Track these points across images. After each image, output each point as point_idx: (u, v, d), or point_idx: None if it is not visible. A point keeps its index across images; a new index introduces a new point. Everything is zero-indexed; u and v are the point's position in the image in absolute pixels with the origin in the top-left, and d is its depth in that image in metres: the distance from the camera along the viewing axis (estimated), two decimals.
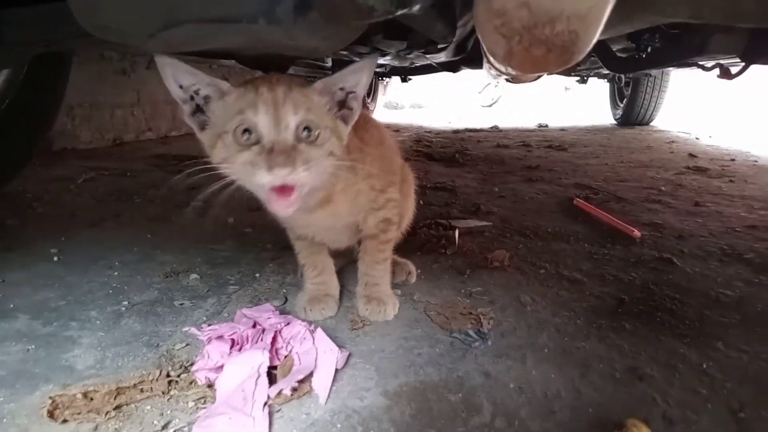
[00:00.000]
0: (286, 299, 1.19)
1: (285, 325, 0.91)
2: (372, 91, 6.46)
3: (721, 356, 0.96)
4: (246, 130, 0.80)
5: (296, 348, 0.86)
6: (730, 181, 2.58)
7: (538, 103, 9.06)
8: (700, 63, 1.90)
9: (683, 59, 1.55)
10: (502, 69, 0.70)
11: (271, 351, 0.85)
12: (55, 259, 1.33)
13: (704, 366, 0.93)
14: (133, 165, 2.57)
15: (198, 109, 0.86)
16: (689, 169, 2.89)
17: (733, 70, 1.62)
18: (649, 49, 1.68)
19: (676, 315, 1.13)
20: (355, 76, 0.90)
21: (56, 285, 1.19)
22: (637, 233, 1.67)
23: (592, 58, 2.67)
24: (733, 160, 3.21)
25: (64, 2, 0.73)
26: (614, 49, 2.18)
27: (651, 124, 5.27)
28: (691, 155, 3.37)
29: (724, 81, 1.74)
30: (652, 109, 5.06)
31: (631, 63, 2.03)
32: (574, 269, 1.40)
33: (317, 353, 0.85)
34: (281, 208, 0.83)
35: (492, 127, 5.64)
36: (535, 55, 0.50)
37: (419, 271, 1.34)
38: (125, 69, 3.18)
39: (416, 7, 0.65)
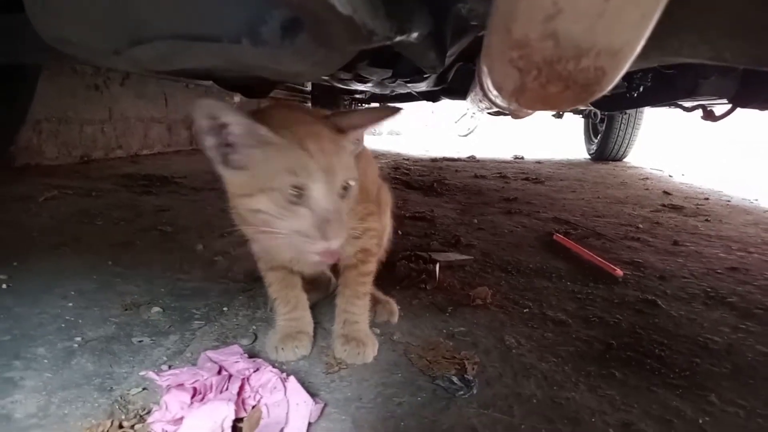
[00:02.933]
0: (256, 337, 1.10)
1: (254, 372, 0.83)
2: None
3: (717, 411, 0.92)
4: (295, 188, 0.78)
5: (265, 398, 0.78)
6: (706, 221, 2.60)
7: (513, 135, 9.20)
8: (681, 103, 1.92)
9: (673, 100, 1.55)
10: (503, 104, 0.65)
11: (237, 401, 0.76)
12: (4, 286, 1.22)
13: (700, 421, 0.88)
14: (100, 184, 2.45)
15: (225, 143, 0.80)
16: (665, 207, 2.91)
17: (717, 111, 1.62)
18: (640, 89, 1.68)
19: (666, 363, 1.09)
20: (381, 123, 0.88)
21: (1, 317, 1.08)
22: (619, 272, 1.64)
23: None
24: (707, 199, 3.26)
25: (23, 13, 0.66)
26: None
27: (624, 160, 5.37)
28: (666, 192, 3.41)
29: (695, 120, 1.75)
30: (625, 146, 5.15)
31: (620, 102, 2.03)
32: (558, 309, 1.36)
33: (289, 405, 0.77)
34: (328, 260, 0.89)
35: (469, 157, 5.66)
36: (550, 92, 0.45)
37: (399, 307, 1.28)
38: (98, 84, 3.07)
39: (414, 35, 0.60)
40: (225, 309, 1.23)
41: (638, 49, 0.38)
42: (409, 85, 2.66)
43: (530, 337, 1.19)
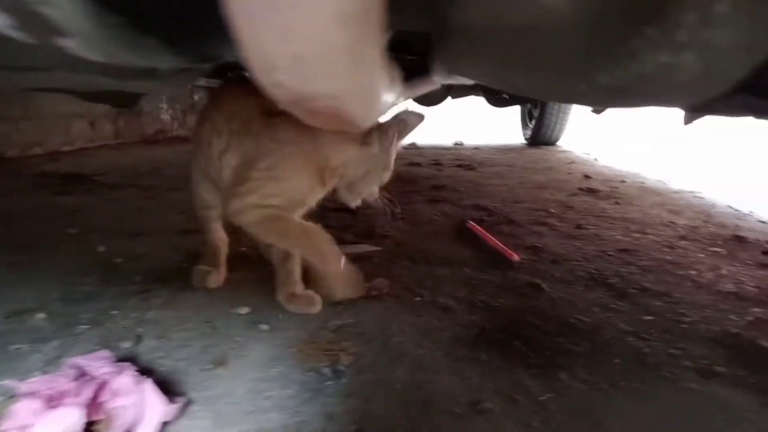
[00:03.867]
0: (139, 339, 1.13)
1: (114, 376, 0.86)
2: None
3: (562, 387, 1.00)
4: None
5: (121, 401, 0.81)
6: (616, 203, 2.75)
7: (459, 121, 9.33)
8: None
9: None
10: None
11: (94, 404, 0.79)
12: None
13: (543, 398, 0.96)
14: (13, 184, 2.38)
15: None
16: (581, 191, 3.05)
17: None
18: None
19: (532, 344, 1.17)
20: None
21: None
22: (516, 257, 1.73)
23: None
24: (623, 181, 3.43)
25: None
26: None
27: (557, 144, 5.56)
28: (586, 176, 3.57)
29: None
30: (557, 130, 5.33)
31: (509, 100, 2.14)
32: (449, 296, 1.43)
33: (145, 406, 0.80)
34: None
35: (410, 145, 5.72)
36: (314, 120, 0.49)
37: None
38: None
39: None
40: (114, 312, 1.24)
41: (362, 88, 0.43)
42: None
43: (415, 325, 1.25)
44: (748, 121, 1.17)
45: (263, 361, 1.07)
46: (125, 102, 1.02)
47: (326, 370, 1.02)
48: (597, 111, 1.82)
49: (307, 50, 0.37)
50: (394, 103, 1.04)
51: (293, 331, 1.20)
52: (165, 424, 0.82)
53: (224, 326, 1.21)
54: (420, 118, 1.35)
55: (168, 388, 0.94)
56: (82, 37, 0.46)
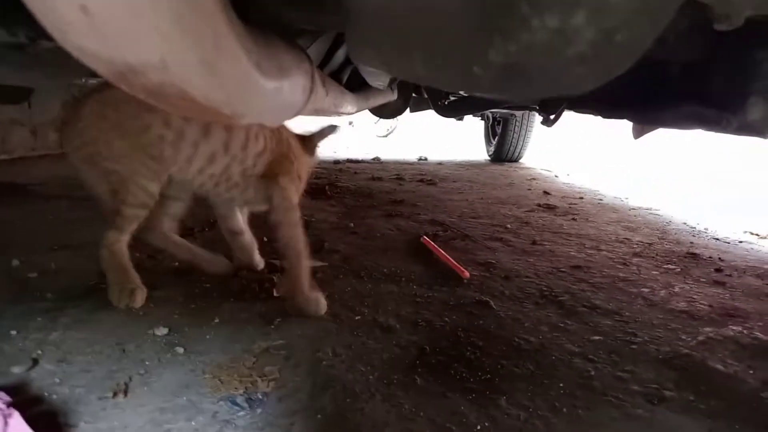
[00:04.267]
0: (35, 363, 1.00)
1: None
2: None
3: (500, 414, 0.92)
4: None
5: None
6: (572, 219, 2.72)
7: (425, 136, 9.34)
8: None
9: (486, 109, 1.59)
10: None
11: None
12: None
13: (479, 427, 0.88)
14: None
15: None
16: (540, 207, 3.02)
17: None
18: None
19: (473, 366, 1.09)
20: None
21: None
22: (466, 274, 1.66)
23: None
24: (581, 198, 3.42)
25: None
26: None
27: (520, 161, 5.58)
28: (546, 193, 3.55)
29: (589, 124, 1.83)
30: (520, 147, 5.35)
31: (453, 109, 2.10)
32: (391, 315, 1.34)
33: None
34: None
35: (374, 159, 5.66)
36: (173, 107, 0.41)
37: (217, 320, 1.22)
38: None
39: None
40: (13, 333, 1.11)
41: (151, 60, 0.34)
42: None
43: (349, 346, 1.16)
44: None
45: (171, 388, 0.96)
46: (11, 97, 0.91)
47: (240, 399, 0.91)
48: (547, 123, 1.78)
49: None
50: (322, 107, 0.96)
51: (212, 354, 1.09)
52: None
53: (136, 349, 1.09)
54: (333, 129, 1.57)
55: (55, 420, 0.83)
56: None
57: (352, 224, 2.42)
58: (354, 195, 3.31)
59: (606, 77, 0.36)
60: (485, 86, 0.37)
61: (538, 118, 5.09)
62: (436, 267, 1.79)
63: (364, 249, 2.00)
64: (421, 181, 4.07)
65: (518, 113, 4.59)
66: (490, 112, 5.00)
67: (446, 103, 2.26)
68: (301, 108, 0.70)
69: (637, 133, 1.39)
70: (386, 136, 9.07)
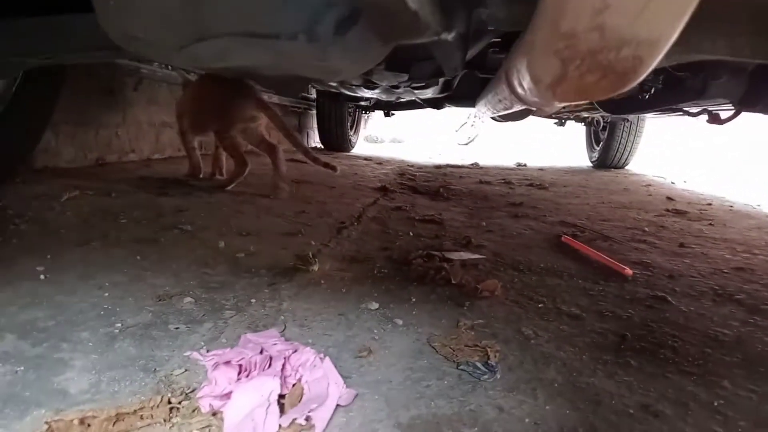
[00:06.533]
0: (285, 326, 1.15)
1: (293, 352, 0.88)
2: (354, 124, 6.52)
3: (730, 395, 0.96)
4: None
5: (306, 376, 0.82)
6: (710, 224, 2.65)
7: (515, 143, 9.26)
8: (686, 109, 1.97)
9: (681, 103, 1.60)
10: (533, 98, 0.70)
11: (281, 378, 0.81)
12: (42, 277, 1.26)
13: (715, 404, 0.93)
14: (117, 186, 2.50)
15: None
16: (669, 212, 2.96)
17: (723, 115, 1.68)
18: (652, 91, 1.73)
19: (679, 353, 1.13)
20: None
21: (44, 304, 1.12)
22: (628, 271, 1.68)
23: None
24: (710, 204, 3.31)
25: (79, 14, 0.71)
26: None
27: (626, 167, 5.43)
28: (669, 198, 3.46)
29: (696, 129, 1.81)
30: (627, 153, 5.21)
31: (629, 105, 2.08)
32: (571, 304, 1.40)
33: (328, 382, 0.82)
34: None
35: (473, 164, 5.72)
36: (587, 81, 0.50)
37: (414, 299, 1.34)
38: (113, 89, 3.12)
39: (453, 34, 0.65)
40: (252, 301, 1.27)
41: (672, 40, 0.43)
42: (415, 91, 2.71)
43: (546, 329, 1.23)
44: None
45: (408, 353, 1.07)
46: (294, 89, 1.06)
47: (479, 365, 1.01)
48: (717, 122, 1.76)
49: None
50: None
51: (426, 327, 1.20)
52: (340, 406, 0.82)
53: (357, 319, 1.22)
54: None
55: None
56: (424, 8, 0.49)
57: (483, 223, 2.50)
58: (469, 197, 3.38)
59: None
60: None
61: (648, 122, 4.95)
62: (588, 264, 1.82)
63: (508, 246, 2.07)
64: (531, 185, 4.08)
65: (631, 117, 4.49)
66: (592, 117, 4.91)
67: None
68: None
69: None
70: (467, 143, 9.08)
